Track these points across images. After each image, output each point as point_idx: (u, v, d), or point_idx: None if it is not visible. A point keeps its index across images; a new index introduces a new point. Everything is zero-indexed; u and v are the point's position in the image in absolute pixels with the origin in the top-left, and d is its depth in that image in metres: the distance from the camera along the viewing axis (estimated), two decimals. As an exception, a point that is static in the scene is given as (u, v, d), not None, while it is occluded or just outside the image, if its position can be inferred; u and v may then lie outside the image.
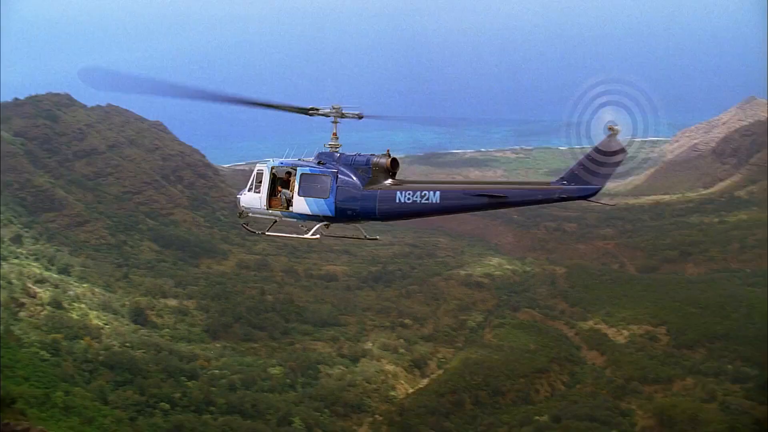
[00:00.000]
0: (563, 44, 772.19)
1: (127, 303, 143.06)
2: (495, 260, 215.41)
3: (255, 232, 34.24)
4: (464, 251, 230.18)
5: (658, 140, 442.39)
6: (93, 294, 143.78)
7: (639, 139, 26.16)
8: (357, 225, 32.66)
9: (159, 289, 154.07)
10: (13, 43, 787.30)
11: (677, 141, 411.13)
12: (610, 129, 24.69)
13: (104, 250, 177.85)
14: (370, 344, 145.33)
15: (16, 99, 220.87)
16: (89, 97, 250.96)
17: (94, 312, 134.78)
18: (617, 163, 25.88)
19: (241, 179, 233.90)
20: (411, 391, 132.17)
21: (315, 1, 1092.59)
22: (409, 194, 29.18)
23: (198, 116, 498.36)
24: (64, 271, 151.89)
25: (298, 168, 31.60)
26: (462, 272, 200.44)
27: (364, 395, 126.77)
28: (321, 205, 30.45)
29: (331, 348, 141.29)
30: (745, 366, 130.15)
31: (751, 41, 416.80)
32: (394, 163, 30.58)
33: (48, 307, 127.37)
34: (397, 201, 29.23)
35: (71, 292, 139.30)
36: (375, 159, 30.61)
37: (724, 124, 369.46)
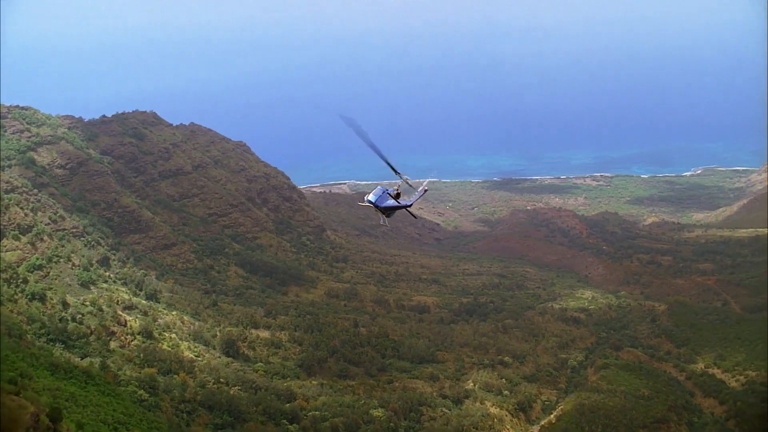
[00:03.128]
0: (647, 70, 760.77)
1: (218, 333, 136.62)
2: (588, 293, 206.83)
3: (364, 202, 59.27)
4: (554, 283, 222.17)
5: (745, 170, 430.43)
6: (183, 322, 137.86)
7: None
8: (387, 219, 59.66)
9: (250, 319, 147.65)
10: (98, 61, 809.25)
11: (766, 171, 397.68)
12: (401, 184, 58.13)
13: (191, 275, 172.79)
14: (472, 384, 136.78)
15: (104, 116, 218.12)
16: (174, 115, 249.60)
17: (185, 342, 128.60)
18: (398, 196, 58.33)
19: (321, 202, 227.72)
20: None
21: (398, 24, 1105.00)
22: (390, 201, 57.76)
23: (275, 137, 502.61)
24: (153, 297, 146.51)
25: (379, 186, 59.29)
26: (556, 306, 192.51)
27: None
28: (372, 197, 57.27)
29: (432, 387, 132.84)
30: None
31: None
32: (398, 194, 57.83)
33: (138, 337, 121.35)
34: (386, 203, 57.68)
35: (161, 321, 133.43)
36: (392, 191, 58.05)
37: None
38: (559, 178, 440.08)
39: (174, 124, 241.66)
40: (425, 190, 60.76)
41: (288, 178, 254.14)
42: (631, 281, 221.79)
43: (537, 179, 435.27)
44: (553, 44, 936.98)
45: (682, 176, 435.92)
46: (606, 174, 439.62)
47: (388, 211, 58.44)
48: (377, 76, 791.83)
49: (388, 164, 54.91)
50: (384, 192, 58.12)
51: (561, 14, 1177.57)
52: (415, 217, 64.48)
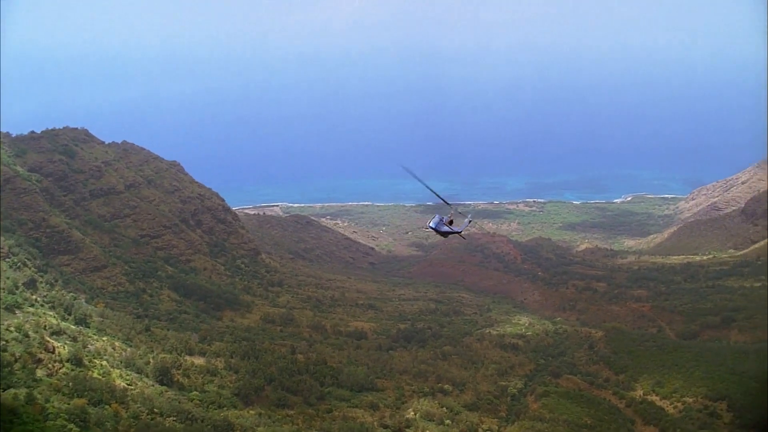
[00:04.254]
0: (576, 97, 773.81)
1: (151, 360, 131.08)
2: (524, 319, 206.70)
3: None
4: (491, 308, 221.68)
5: (674, 197, 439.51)
6: (114, 349, 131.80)
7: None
8: (443, 239, 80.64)
9: (184, 345, 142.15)
10: (29, 75, 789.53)
11: (693, 199, 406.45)
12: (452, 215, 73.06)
13: (122, 299, 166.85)
14: (413, 413, 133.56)
15: (32, 132, 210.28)
16: (107, 133, 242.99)
17: (117, 370, 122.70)
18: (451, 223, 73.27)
19: (255, 224, 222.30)
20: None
21: (333, 49, 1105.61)
22: (445, 227, 71.96)
23: (208, 158, 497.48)
24: (82, 321, 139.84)
25: (437, 215, 72.48)
26: (494, 332, 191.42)
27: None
28: (432, 224, 71.43)
29: (372, 417, 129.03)
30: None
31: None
32: (451, 221, 72.15)
33: (67, 364, 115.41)
34: (443, 228, 71.76)
35: (91, 347, 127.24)
36: (447, 218, 72.39)
37: (743, 183, 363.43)
38: (492, 203, 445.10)
39: (106, 142, 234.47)
40: (470, 221, 77.09)
41: (222, 200, 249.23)
42: (567, 307, 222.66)
43: (470, 204, 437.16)
44: (487, 70, 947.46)
45: (613, 203, 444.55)
46: (539, 200, 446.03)
47: (445, 235, 73.96)
48: (311, 100, 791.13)
49: (443, 200, 69.92)
50: (441, 219, 72.76)
51: (494, 40, 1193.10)
52: (464, 238, 79.25)
